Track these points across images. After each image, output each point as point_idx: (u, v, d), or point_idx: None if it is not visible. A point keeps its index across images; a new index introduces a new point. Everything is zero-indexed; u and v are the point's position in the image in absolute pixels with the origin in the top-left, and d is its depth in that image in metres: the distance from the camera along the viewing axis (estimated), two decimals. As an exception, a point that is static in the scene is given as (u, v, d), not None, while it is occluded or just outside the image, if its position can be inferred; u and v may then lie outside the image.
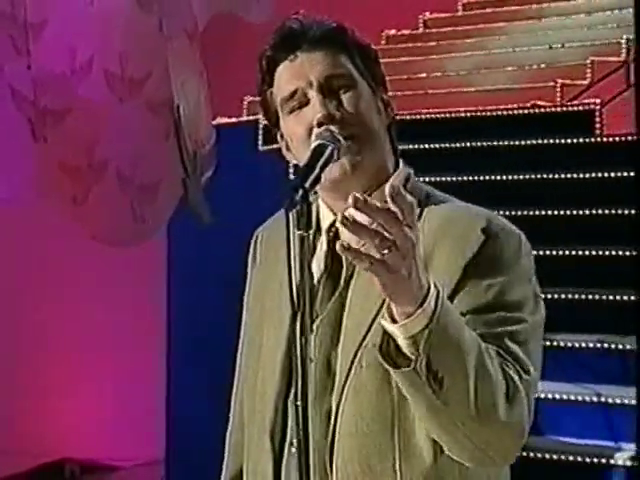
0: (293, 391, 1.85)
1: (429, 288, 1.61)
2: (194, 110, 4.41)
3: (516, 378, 1.71)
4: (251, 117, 6.08)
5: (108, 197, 4.72)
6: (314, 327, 1.85)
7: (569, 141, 5.43)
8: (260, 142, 5.76)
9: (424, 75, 6.61)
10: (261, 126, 5.84)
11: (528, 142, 5.65)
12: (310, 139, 1.83)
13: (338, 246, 1.54)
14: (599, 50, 6.48)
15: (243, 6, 4.61)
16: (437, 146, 5.86)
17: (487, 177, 5.54)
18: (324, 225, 1.89)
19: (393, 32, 7.18)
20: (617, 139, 5.31)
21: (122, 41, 4.74)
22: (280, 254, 1.90)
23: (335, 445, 1.82)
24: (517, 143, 5.72)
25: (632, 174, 4.92)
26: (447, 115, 6.07)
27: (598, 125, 5.53)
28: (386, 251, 1.53)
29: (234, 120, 5.91)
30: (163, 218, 4.59)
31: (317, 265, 1.89)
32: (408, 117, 5.94)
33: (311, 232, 1.68)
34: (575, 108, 5.77)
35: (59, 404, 6.34)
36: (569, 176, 5.31)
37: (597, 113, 5.57)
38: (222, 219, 5.38)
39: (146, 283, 5.92)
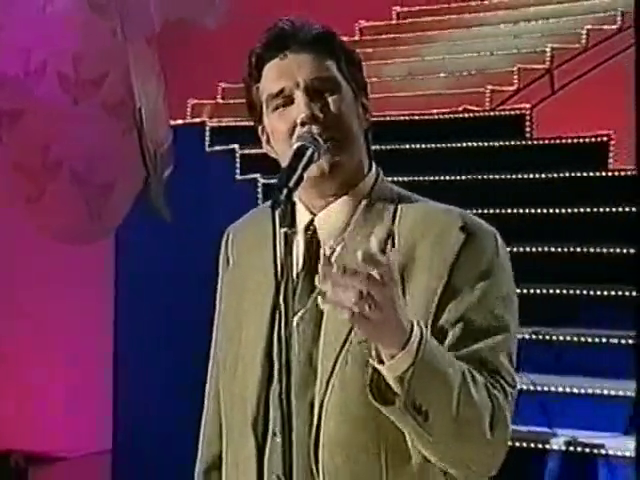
0: (275, 383, 1.86)
1: (412, 328, 1.66)
2: (153, 111, 4.46)
3: (501, 398, 1.75)
4: (197, 119, 6.16)
5: (63, 196, 4.74)
6: (295, 322, 1.85)
7: (502, 143, 5.58)
8: (207, 144, 5.84)
9: (362, 80, 6.72)
10: (208, 128, 5.93)
11: (462, 144, 5.79)
12: (292, 137, 1.86)
13: (320, 300, 1.61)
14: (525, 58, 6.67)
15: (199, 12, 4.67)
16: (373, 148, 5.96)
17: (421, 178, 5.65)
18: (301, 223, 1.90)
19: (332, 38, 7.28)
20: (548, 142, 5.46)
21: (76, 44, 4.77)
22: (260, 252, 1.94)
23: (320, 436, 1.82)
24: (450, 145, 5.86)
25: (563, 175, 5.11)
26: (383, 119, 6.19)
27: (528, 128, 5.69)
28: (366, 307, 1.60)
29: (180, 122, 5.97)
30: (119, 216, 4.62)
31: (294, 262, 1.88)
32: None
33: (295, 230, 1.72)
34: (507, 112, 5.93)
35: (4, 396, 6.31)
36: (503, 177, 5.43)
37: (527, 117, 5.72)
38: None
39: (95, 280, 5.93)
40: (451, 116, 6.14)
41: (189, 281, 5.57)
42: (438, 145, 5.92)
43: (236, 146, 5.64)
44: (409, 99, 6.40)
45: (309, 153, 1.80)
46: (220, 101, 6.68)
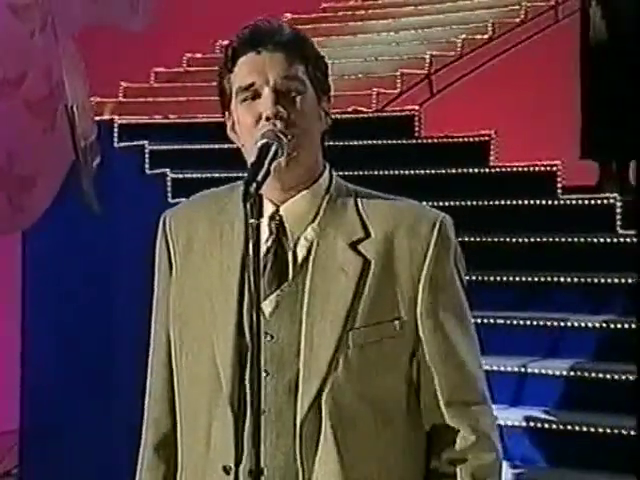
0: (249, 363, 1.86)
1: None
2: (81, 106, 4.50)
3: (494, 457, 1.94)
4: (106, 117, 6.18)
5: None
6: (270, 306, 1.92)
7: (391, 142, 5.76)
8: (116, 140, 5.86)
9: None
10: (116, 125, 5.95)
11: (353, 143, 5.94)
12: (256, 128, 1.91)
13: None
14: (407, 63, 6.88)
15: (122, 16, 4.71)
16: None
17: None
18: (265, 213, 1.91)
19: (226, 42, 7.35)
20: (435, 140, 5.67)
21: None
22: (220, 239, 1.97)
23: (309, 411, 1.88)
24: (342, 144, 6.00)
25: (449, 171, 5.32)
26: None
27: (417, 128, 5.88)
28: None
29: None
30: (40, 208, 4.65)
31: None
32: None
33: (262, 220, 1.79)
34: (396, 113, 6.12)
35: None
36: (390, 173, 5.61)
37: (416, 118, 5.91)
38: (76, 213, 5.43)
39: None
40: (344, 116, 6.30)
41: (95, 273, 5.61)
42: (333, 143, 6.05)
43: (145, 142, 5.70)
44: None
45: (273, 149, 1.86)
46: (122, 99, 6.73)
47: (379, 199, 1.99)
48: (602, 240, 4.91)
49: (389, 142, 5.77)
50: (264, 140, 1.87)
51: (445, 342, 1.93)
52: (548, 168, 5.25)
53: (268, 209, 1.94)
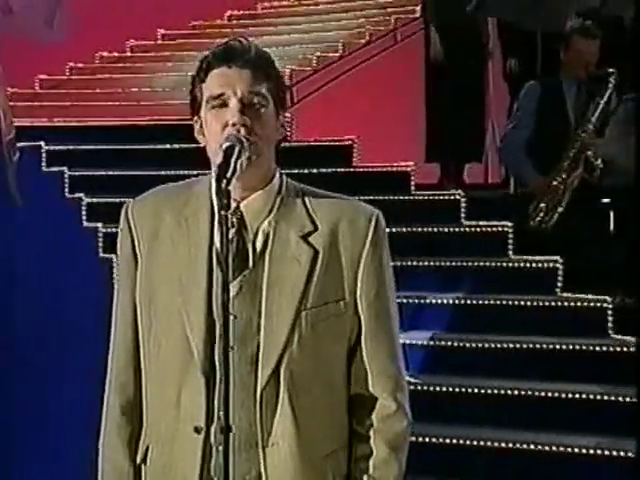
0: (218, 339, 1.98)
1: None
2: (2, 105, 4.55)
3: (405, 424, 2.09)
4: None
5: None
6: (233, 290, 1.99)
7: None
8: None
9: (136, 89, 6.91)
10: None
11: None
12: (222, 134, 1.99)
13: None
14: (297, 63, 7.13)
15: (38, 30, 4.74)
16: (152, 147, 6.11)
17: (193, 172, 5.91)
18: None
19: (105, 54, 7.51)
20: (304, 144, 5.81)
21: None
22: (187, 228, 2.05)
23: (269, 380, 2.00)
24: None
25: (315, 171, 5.57)
26: (157, 122, 6.35)
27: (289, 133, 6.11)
28: None
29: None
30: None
31: (219, 239, 2.02)
32: (124, 123, 6.31)
33: (230, 212, 1.90)
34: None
35: None
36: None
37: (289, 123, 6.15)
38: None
39: None
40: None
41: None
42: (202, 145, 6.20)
43: (42, 143, 5.75)
44: (177, 107, 6.67)
45: (237, 150, 1.95)
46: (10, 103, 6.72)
47: (323, 197, 2.10)
48: (449, 229, 5.24)
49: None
50: (228, 143, 1.97)
51: (377, 321, 2.06)
52: (403, 169, 5.54)
53: (231, 204, 1.97)
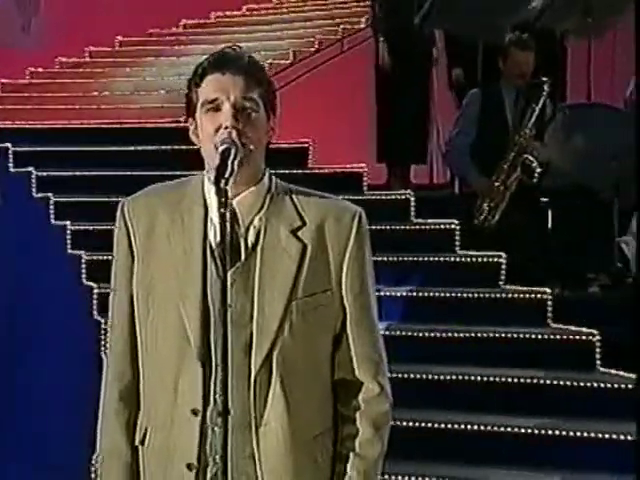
0: (213, 326, 2.05)
1: None
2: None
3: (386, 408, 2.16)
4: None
5: None
6: (229, 279, 2.04)
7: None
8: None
9: (96, 94, 6.94)
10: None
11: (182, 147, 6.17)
12: (215, 136, 2.05)
13: None
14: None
15: (14, 36, 4.76)
16: (110, 149, 6.03)
17: (152, 173, 5.97)
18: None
19: (64, 59, 7.55)
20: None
21: None
22: (183, 225, 2.12)
23: (262, 367, 2.07)
24: (173, 148, 6.24)
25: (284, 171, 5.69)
26: (116, 126, 6.40)
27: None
28: None
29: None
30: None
31: (212, 234, 2.12)
32: (86, 126, 6.38)
33: (228, 210, 1.98)
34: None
35: None
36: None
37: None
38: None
39: None
40: (167, 125, 6.51)
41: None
42: (160, 147, 6.24)
43: (9, 144, 5.78)
44: (136, 111, 6.76)
45: (233, 152, 2.02)
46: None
47: (310, 196, 2.16)
48: (399, 227, 5.40)
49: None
50: (225, 145, 2.03)
51: (361, 310, 2.14)
52: (356, 170, 5.70)
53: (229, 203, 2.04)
